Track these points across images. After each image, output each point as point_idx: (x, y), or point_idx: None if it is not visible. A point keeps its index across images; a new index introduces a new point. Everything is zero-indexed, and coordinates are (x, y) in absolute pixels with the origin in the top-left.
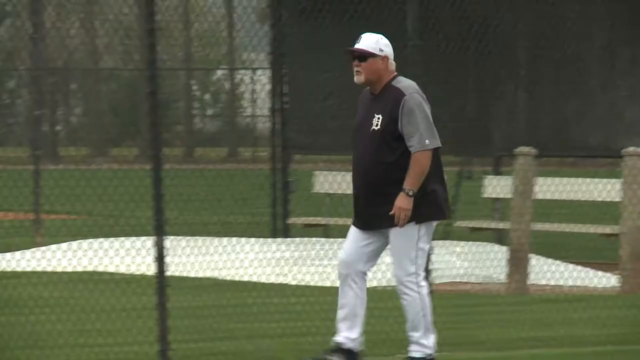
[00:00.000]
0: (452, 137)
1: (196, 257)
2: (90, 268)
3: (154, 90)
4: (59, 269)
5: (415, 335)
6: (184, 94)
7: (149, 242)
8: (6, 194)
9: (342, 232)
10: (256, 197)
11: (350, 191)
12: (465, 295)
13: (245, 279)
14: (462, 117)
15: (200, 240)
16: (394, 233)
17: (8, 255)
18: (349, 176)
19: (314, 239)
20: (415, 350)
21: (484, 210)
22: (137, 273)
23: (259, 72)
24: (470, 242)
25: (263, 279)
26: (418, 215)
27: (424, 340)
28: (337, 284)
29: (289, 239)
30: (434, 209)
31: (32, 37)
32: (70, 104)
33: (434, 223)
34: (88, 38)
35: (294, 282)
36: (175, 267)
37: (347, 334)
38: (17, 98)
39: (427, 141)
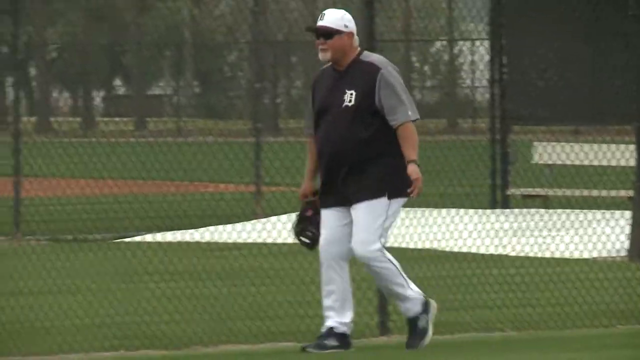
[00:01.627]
0: None
1: (415, 228)
2: None
3: None
4: (279, 241)
5: (400, 295)
6: (403, 66)
7: None
8: (227, 166)
9: (562, 204)
10: (475, 168)
11: (570, 162)
12: None
13: (464, 250)
14: None
15: (419, 211)
16: (364, 207)
17: (229, 226)
18: (568, 147)
19: (533, 210)
20: (408, 309)
21: None
22: None
23: (477, 42)
24: None
25: (482, 250)
26: (390, 190)
27: (409, 292)
28: (557, 254)
29: (508, 210)
30: (405, 185)
31: (252, 10)
32: (290, 76)
33: (404, 200)
34: (307, 11)
35: (513, 253)
36: (395, 238)
37: (339, 319)
38: (239, 71)
39: (409, 112)
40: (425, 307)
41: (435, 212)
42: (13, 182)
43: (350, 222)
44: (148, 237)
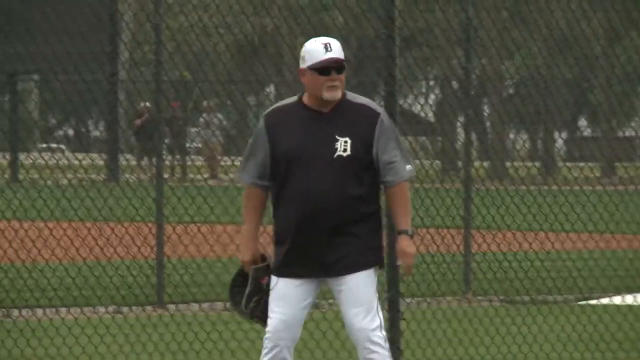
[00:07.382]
0: None
1: None
2: None
3: None
4: None
5: None
6: None
7: None
8: None
9: None
10: None
11: None
12: None
13: None
14: None
15: None
16: (355, 280)
17: None
18: None
19: None
20: None
21: None
22: None
23: None
24: None
25: None
26: (380, 259)
27: None
28: None
29: None
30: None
31: None
32: None
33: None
34: None
35: None
36: None
37: None
38: None
39: (408, 167)
40: None
41: None
42: (463, 236)
43: (309, 301)
44: (616, 299)
